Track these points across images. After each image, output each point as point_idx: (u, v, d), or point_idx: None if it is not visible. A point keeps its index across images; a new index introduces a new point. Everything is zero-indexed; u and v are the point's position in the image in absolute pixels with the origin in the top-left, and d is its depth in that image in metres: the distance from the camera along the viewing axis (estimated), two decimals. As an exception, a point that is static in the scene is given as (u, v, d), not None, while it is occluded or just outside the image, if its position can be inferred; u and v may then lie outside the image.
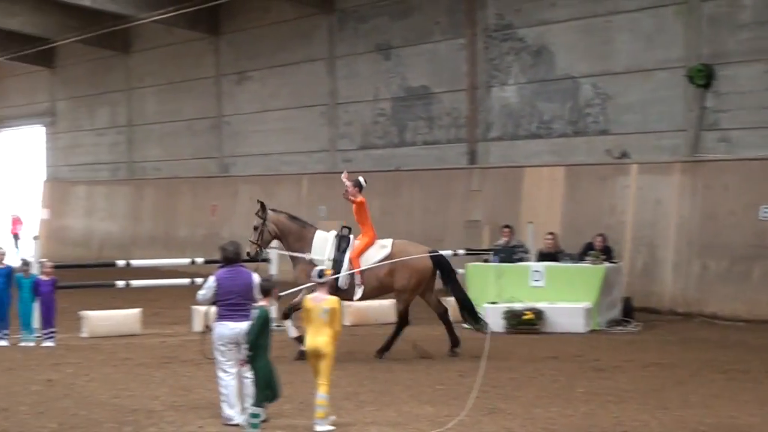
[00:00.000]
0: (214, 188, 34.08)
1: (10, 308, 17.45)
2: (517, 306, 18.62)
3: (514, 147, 25.45)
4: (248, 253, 15.32)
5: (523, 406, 11.91)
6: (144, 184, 37.63)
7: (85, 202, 40.45)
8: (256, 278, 11.03)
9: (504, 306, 18.76)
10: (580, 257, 19.90)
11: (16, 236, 41.31)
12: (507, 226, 21.45)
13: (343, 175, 16.24)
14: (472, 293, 17.87)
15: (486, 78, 25.96)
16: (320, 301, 10.69)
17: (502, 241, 20.90)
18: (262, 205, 16.01)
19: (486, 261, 20.46)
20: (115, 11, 33.10)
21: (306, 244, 15.91)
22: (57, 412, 11.69)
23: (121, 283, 19.28)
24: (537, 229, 22.01)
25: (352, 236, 15.99)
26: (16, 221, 42.12)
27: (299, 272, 15.88)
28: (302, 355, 13.54)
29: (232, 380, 10.97)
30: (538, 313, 18.66)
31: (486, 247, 23.05)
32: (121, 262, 20.40)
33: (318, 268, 11.30)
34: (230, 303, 10.83)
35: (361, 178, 16.14)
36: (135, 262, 21.02)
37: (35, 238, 19.93)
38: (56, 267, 18.03)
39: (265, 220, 15.90)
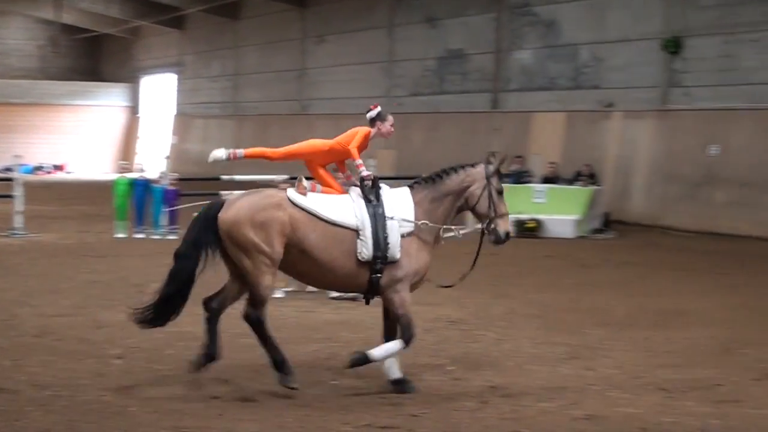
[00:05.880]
0: (297, 123, 34.24)
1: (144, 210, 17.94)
2: (523, 216, 18.76)
3: (527, 97, 25.37)
4: None
5: (524, 292, 12.15)
6: (244, 119, 37.93)
7: (202, 132, 40.91)
8: None
9: (512, 217, 18.83)
10: (572, 181, 20.01)
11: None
12: (519, 156, 21.52)
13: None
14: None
15: (508, 44, 25.84)
16: None
17: (515, 167, 20.91)
18: None
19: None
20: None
21: None
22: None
23: (225, 193, 19.21)
24: (542, 159, 22.07)
25: None
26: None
27: None
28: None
29: None
30: (539, 222, 18.85)
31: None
32: (225, 177, 20.66)
33: None
34: None
35: None
36: (236, 177, 21.14)
37: (167, 157, 20.36)
38: (178, 179, 18.36)
39: None
